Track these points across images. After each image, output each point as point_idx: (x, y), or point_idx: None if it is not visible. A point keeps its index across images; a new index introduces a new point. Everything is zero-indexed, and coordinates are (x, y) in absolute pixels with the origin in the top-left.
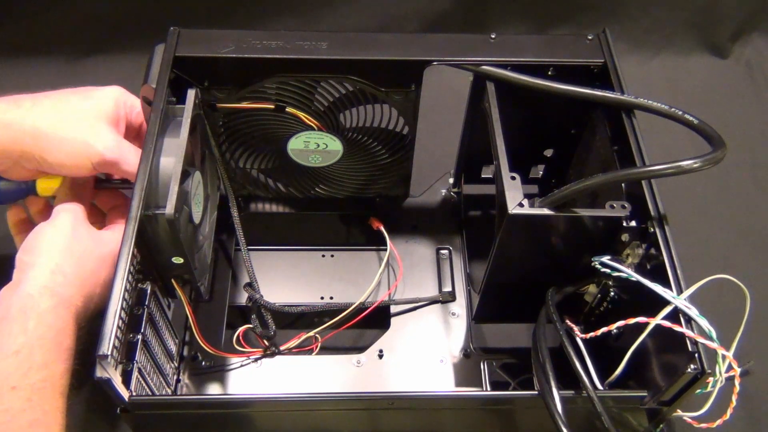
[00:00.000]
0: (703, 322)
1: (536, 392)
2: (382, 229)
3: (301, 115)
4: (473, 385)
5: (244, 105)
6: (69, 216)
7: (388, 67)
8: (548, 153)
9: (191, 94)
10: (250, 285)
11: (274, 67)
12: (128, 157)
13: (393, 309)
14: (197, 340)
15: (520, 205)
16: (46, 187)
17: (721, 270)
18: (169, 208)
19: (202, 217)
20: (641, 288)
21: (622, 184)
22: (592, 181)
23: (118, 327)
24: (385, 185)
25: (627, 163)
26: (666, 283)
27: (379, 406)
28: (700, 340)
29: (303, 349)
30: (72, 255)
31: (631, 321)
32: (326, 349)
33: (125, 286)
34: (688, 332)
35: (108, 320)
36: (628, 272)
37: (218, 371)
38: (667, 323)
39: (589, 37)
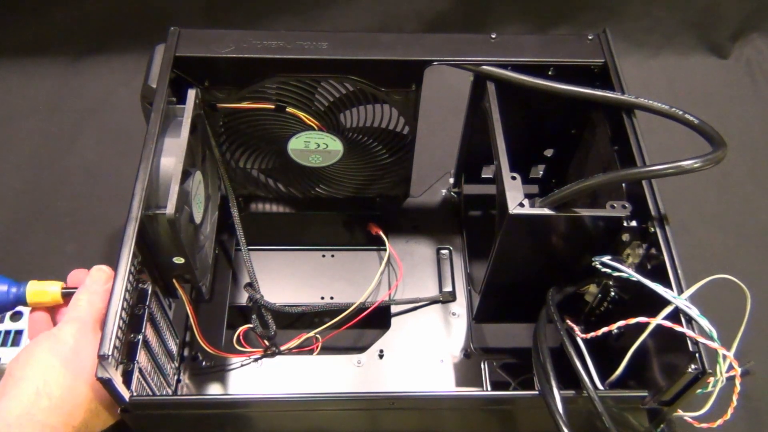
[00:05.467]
0: (704, 322)
1: (537, 392)
2: (382, 234)
3: (301, 115)
4: (474, 385)
5: (245, 105)
6: (74, 326)
7: (389, 67)
8: (548, 153)
9: (191, 94)
10: (251, 285)
11: (274, 67)
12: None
13: (393, 309)
14: (198, 340)
15: (521, 205)
16: (38, 294)
17: (722, 270)
18: (170, 208)
19: (203, 217)
20: (642, 288)
21: (623, 184)
22: (593, 181)
23: (119, 327)
24: (386, 185)
25: (627, 163)
26: (666, 283)
27: (380, 406)
28: (701, 340)
29: (303, 349)
30: (65, 374)
31: (632, 321)
32: (327, 349)
33: (126, 287)
34: (688, 332)
35: (109, 320)
36: (628, 272)
37: (219, 371)
38: (667, 323)
39: (590, 37)
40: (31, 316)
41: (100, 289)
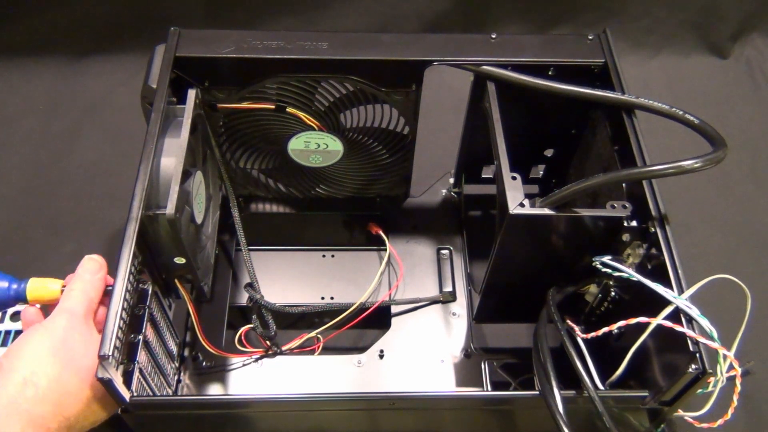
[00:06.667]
0: (704, 322)
1: (537, 392)
2: (382, 233)
3: (301, 115)
4: (474, 385)
5: (245, 105)
6: (64, 318)
7: (389, 68)
8: (549, 153)
9: (192, 94)
10: (251, 285)
11: (274, 67)
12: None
13: (394, 309)
14: (198, 341)
15: (521, 205)
16: (38, 291)
17: (722, 270)
18: (170, 208)
19: (204, 217)
20: (642, 288)
21: (623, 184)
22: (593, 181)
23: (119, 327)
24: (386, 185)
25: (627, 163)
26: (667, 283)
27: (380, 406)
28: (701, 340)
29: (305, 349)
30: (54, 364)
31: (632, 321)
32: (327, 350)
33: (126, 287)
34: (689, 332)
35: (109, 321)
36: (629, 272)
37: (219, 371)
38: (668, 323)
39: (590, 37)
40: (24, 312)
41: (93, 278)
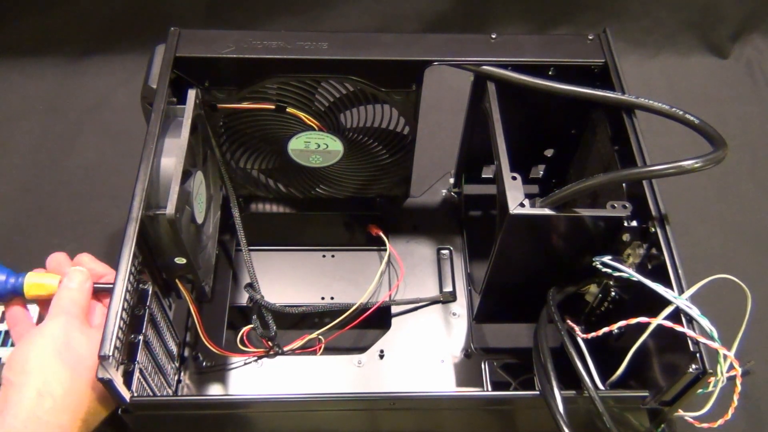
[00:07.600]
0: (705, 322)
1: (537, 392)
2: (382, 234)
3: (301, 115)
4: (474, 385)
5: (245, 105)
6: (61, 320)
7: (389, 68)
8: (549, 153)
9: (192, 94)
10: (251, 285)
11: (274, 68)
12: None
13: (394, 309)
14: (199, 340)
15: (521, 205)
16: (36, 286)
17: (722, 270)
18: (170, 208)
19: (205, 217)
20: (642, 288)
21: (623, 184)
22: (593, 181)
23: (120, 328)
24: (386, 185)
25: (627, 163)
26: (667, 283)
27: (380, 406)
28: (702, 340)
29: (306, 350)
30: (63, 369)
31: (633, 321)
32: (327, 350)
33: (126, 287)
34: (689, 332)
35: (109, 321)
36: (629, 272)
37: (219, 371)
38: (668, 323)
39: (590, 37)
40: (9, 312)
41: (82, 287)
